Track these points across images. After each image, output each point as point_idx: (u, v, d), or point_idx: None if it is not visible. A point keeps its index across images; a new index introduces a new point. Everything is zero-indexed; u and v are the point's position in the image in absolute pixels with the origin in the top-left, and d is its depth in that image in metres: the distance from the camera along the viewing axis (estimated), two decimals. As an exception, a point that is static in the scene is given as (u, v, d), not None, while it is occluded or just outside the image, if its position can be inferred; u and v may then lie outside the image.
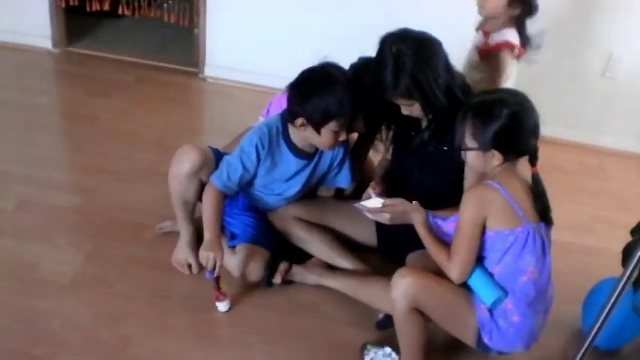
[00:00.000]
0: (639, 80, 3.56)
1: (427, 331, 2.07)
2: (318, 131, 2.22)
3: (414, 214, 2.08)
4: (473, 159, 1.98)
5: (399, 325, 2.06)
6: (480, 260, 1.98)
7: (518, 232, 1.91)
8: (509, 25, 2.65)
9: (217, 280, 2.28)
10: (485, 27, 2.73)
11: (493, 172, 1.96)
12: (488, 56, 2.69)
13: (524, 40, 2.67)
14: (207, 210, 2.29)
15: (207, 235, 2.27)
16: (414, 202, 2.11)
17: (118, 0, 4.07)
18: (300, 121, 2.23)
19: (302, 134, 2.29)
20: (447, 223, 2.06)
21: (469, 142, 1.95)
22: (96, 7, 4.08)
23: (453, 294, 2.02)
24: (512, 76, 2.69)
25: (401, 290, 1.99)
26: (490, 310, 1.98)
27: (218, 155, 2.43)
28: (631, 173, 3.54)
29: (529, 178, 1.97)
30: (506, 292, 1.96)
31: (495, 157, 1.92)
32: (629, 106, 3.65)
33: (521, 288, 1.95)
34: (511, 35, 2.64)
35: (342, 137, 2.27)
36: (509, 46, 2.63)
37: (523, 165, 1.96)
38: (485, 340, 2.00)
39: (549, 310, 2.05)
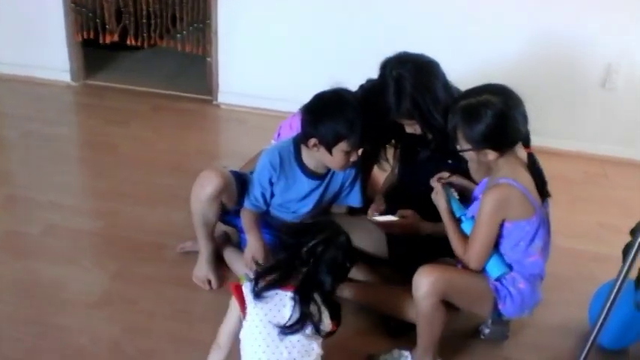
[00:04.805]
0: (638, 89, 3.61)
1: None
2: (330, 151, 2.28)
3: (439, 200, 2.13)
4: (470, 158, 2.06)
5: (425, 320, 2.09)
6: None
7: (533, 221, 1.99)
8: None
9: None
10: None
11: (497, 163, 2.01)
12: None
13: None
14: (246, 219, 2.47)
15: (250, 237, 2.43)
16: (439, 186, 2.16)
17: (133, 32, 4.18)
18: (312, 141, 2.30)
19: (315, 155, 2.36)
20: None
21: (462, 143, 2.02)
22: (110, 39, 4.20)
23: (471, 276, 2.08)
24: None
25: (427, 288, 2.01)
26: (499, 279, 2.07)
27: (237, 176, 2.52)
28: (635, 180, 3.58)
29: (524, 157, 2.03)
30: (510, 267, 2.06)
31: (490, 154, 1.99)
32: (630, 115, 3.70)
33: (528, 265, 2.06)
34: None
35: (353, 158, 2.32)
36: None
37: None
38: (500, 307, 2.07)
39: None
